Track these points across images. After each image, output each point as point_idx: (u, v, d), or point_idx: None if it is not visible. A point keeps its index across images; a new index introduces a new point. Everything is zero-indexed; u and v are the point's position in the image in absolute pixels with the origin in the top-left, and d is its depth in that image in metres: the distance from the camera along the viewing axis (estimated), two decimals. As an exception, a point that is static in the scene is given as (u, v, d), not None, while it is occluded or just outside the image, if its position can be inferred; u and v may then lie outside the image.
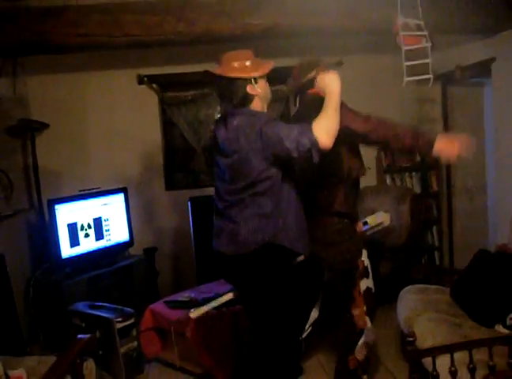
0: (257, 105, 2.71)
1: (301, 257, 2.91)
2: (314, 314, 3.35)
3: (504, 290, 3.19)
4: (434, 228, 5.61)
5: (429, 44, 3.71)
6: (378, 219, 3.49)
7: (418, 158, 5.54)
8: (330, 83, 2.62)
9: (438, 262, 5.60)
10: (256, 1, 3.80)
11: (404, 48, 3.68)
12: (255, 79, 2.66)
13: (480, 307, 3.24)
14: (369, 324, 3.10)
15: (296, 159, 2.53)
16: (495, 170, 4.73)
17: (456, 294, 3.53)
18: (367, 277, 3.14)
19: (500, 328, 3.10)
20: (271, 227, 2.61)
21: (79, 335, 2.68)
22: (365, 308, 3.08)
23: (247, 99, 2.67)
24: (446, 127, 5.51)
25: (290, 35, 4.07)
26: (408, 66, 3.72)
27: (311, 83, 2.92)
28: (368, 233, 3.49)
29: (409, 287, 3.81)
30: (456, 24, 4.19)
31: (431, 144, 2.74)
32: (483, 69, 4.73)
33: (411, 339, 2.53)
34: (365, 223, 3.37)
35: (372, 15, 3.88)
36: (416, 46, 3.73)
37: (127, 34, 3.74)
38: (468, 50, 4.96)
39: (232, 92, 2.66)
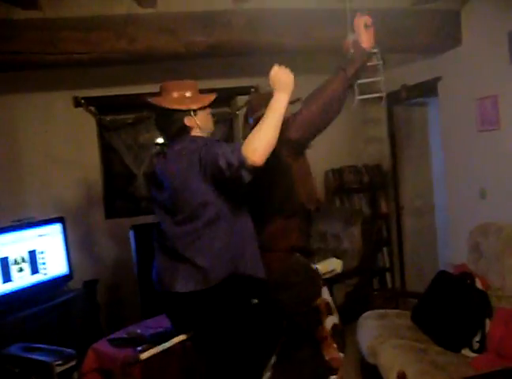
0: (197, 133, 2.55)
1: (255, 300, 2.70)
2: (273, 360, 3.11)
3: (468, 312, 3.09)
4: (385, 249, 5.55)
5: (380, 62, 3.65)
6: (329, 266, 3.27)
7: (366, 178, 5.47)
8: (284, 78, 2.36)
9: (390, 284, 5.52)
10: (201, 17, 3.64)
11: (355, 66, 3.61)
12: (194, 111, 2.52)
13: (444, 331, 3.14)
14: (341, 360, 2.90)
15: (228, 179, 2.28)
16: (446, 189, 4.71)
17: (417, 318, 3.42)
18: (331, 314, 2.95)
19: (467, 352, 3.01)
20: (227, 257, 2.39)
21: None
22: (335, 345, 2.88)
23: (184, 130, 2.52)
24: (393, 146, 5.50)
25: (236, 53, 3.93)
26: (358, 85, 3.66)
27: None
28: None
29: (369, 312, 3.69)
30: (402, 43, 4.17)
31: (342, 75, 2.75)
32: (428, 88, 4.75)
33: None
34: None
35: (322, 32, 3.78)
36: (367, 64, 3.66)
37: (63, 51, 3.51)
38: (413, 69, 4.98)
39: (169, 123, 2.53)
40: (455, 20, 4.18)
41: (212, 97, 2.59)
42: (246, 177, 2.24)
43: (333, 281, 4.56)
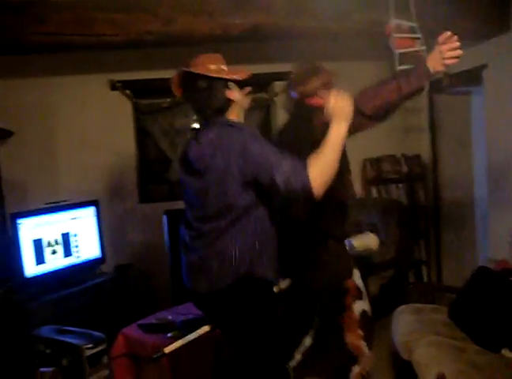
0: (234, 114, 2.42)
1: (286, 283, 2.66)
2: (307, 342, 3.05)
3: (509, 311, 2.96)
4: (422, 242, 5.40)
5: (424, 47, 3.51)
6: (365, 242, 3.22)
7: (404, 169, 5.33)
8: (344, 108, 2.22)
9: (426, 278, 5.39)
10: (239, -1, 3.56)
11: (397, 51, 3.48)
12: (232, 84, 2.37)
13: (483, 330, 3.01)
14: (366, 351, 2.82)
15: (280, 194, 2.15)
16: (488, 181, 4.53)
17: (455, 314, 3.30)
18: (362, 299, 2.87)
19: (507, 353, 2.88)
20: (246, 259, 2.28)
21: (42, 369, 2.36)
22: (361, 333, 2.80)
23: (225, 105, 2.38)
24: (433, 136, 5.35)
25: (273, 37, 3.83)
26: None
27: (311, 93, 2.65)
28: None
29: (404, 306, 3.58)
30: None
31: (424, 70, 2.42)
32: (472, 76, 4.56)
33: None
34: (350, 246, 3.10)
35: (363, 17, 3.66)
36: (409, 50, 3.52)
37: (96, 33, 3.46)
38: (456, 57, 4.78)
39: (210, 97, 2.34)
40: (503, 5, 3.99)
41: (248, 71, 2.42)
42: (302, 203, 2.22)
43: (367, 272, 4.48)
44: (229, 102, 2.38)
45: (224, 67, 2.40)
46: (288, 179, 2.08)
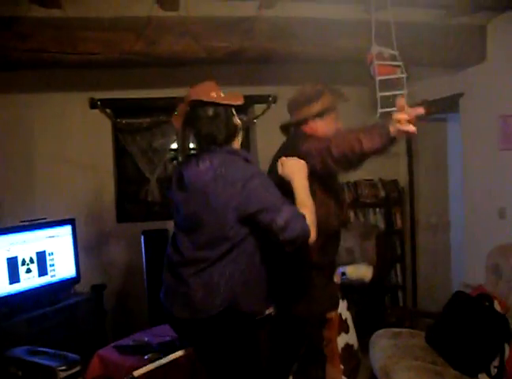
0: (237, 141, 2.38)
1: (270, 310, 2.64)
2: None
3: (486, 336, 2.99)
4: (398, 266, 5.43)
5: (404, 75, 3.58)
6: (358, 272, 3.15)
7: (382, 193, 5.38)
8: (293, 167, 2.32)
9: (401, 302, 5.41)
10: (224, 22, 3.58)
11: (378, 78, 3.54)
12: (234, 110, 2.34)
13: (461, 355, 3.03)
14: None
15: (277, 241, 2.15)
16: (463, 207, 4.60)
17: (432, 339, 3.32)
18: (346, 332, 2.84)
19: (485, 378, 2.89)
20: (232, 293, 2.25)
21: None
22: (342, 367, 2.76)
23: (235, 132, 2.34)
24: (410, 162, 5.42)
25: (257, 60, 3.87)
26: (381, 97, 3.59)
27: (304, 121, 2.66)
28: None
29: (381, 331, 3.58)
30: (427, 57, 4.09)
31: (385, 131, 2.18)
32: (449, 104, 4.66)
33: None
34: (343, 274, 3.07)
35: (346, 43, 3.71)
36: (390, 77, 3.59)
37: (81, 51, 3.45)
38: (434, 84, 4.90)
39: (218, 124, 2.28)
40: (481, 35, 4.10)
41: (240, 94, 2.38)
42: (293, 248, 2.16)
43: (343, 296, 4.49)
44: (237, 127, 2.35)
45: (221, 94, 2.33)
46: (288, 224, 2.09)
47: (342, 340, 2.76)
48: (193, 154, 2.42)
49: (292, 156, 2.40)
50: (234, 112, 2.33)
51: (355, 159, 2.31)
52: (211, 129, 2.28)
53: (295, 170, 2.31)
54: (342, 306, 2.79)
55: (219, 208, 2.18)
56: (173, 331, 3.15)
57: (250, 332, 2.37)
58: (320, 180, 2.49)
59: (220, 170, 2.20)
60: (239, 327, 2.30)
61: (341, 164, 2.35)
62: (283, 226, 2.09)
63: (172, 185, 2.46)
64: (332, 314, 2.69)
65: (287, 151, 2.55)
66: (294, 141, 2.60)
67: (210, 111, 2.28)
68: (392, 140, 2.18)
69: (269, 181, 2.21)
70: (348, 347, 2.78)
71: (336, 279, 2.89)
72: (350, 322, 2.82)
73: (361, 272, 3.04)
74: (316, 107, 2.61)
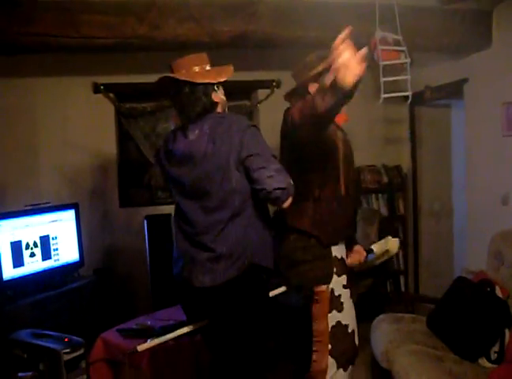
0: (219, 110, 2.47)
1: (281, 289, 2.65)
2: None
3: (487, 321, 3.00)
4: (400, 252, 5.44)
5: (408, 60, 3.57)
6: (385, 245, 2.94)
7: (385, 179, 5.38)
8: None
9: (403, 287, 5.43)
10: (227, 6, 3.56)
11: (382, 63, 3.54)
12: (217, 85, 2.42)
13: (461, 340, 3.05)
14: (333, 369, 2.60)
15: (263, 192, 2.22)
16: (466, 193, 4.60)
17: (434, 324, 3.34)
18: (340, 310, 2.61)
19: (484, 363, 2.92)
20: (251, 250, 2.32)
21: (20, 373, 2.32)
22: (330, 347, 2.59)
23: (211, 108, 2.41)
24: (413, 148, 5.41)
25: (260, 45, 3.85)
26: (385, 83, 3.58)
27: (316, 78, 2.61)
28: (376, 263, 3.00)
29: (383, 315, 3.60)
30: (431, 43, 4.07)
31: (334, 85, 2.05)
32: (454, 90, 4.64)
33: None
34: (370, 252, 2.88)
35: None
36: (393, 62, 3.58)
37: (84, 35, 3.43)
38: (437, 70, 4.88)
39: (194, 101, 2.37)
40: (486, 21, 4.07)
41: (231, 69, 2.47)
42: (281, 203, 2.23)
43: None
44: (214, 104, 2.41)
45: (208, 68, 2.43)
46: (277, 173, 2.18)
47: (333, 318, 2.58)
48: (175, 129, 2.51)
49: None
50: (216, 88, 2.40)
51: (316, 120, 2.26)
52: (188, 104, 2.38)
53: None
54: (337, 282, 2.61)
55: (222, 163, 2.27)
56: (176, 314, 3.22)
57: (266, 292, 2.50)
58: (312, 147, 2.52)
59: (214, 130, 2.31)
60: (259, 285, 2.41)
61: (307, 126, 2.33)
62: (272, 174, 2.18)
63: (161, 162, 2.53)
64: (323, 287, 2.58)
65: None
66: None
67: (186, 88, 2.36)
68: (344, 93, 2.01)
69: (260, 135, 2.32)
70: (339, 325, 2.59)
71: (358, 257, 2.80)
72: (346, 301, 2.63)
73: (388, 244, 2.91)
74: (314, 71, 2.60)
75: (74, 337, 3.37)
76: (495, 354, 2.90)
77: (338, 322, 2.60)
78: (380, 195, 5.39)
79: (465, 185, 4.64)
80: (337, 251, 2.66)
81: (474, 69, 4.36)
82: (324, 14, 3.64)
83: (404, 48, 3.56)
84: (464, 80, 4.46)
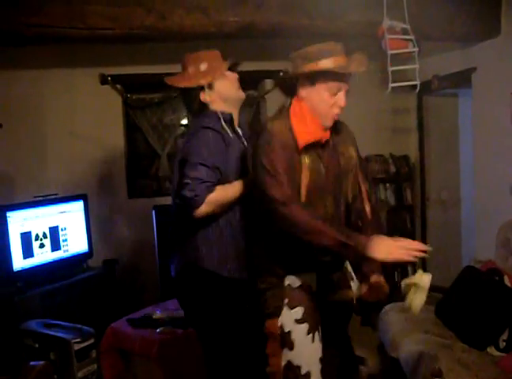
0: (218, 108, 2.47)
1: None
2: None
3: (495, 310, 3.00)
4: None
5: (416, 49, 3.56)
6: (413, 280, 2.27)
7: (392, 168, 5.38)
8: None
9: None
10: (234, -4, 3.55)
11: (390, 52, 3.52)
12: (210, 84, 2.44)
13: (470, 329, 3.05)
14: None
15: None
16: (474, 183, 4.59)
17: (442, 313, 3.34)
18: (290, 348, 2.22)
19: (493, 351, 2.92)
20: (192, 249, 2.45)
21: (32, 362, 2.35)
22: None
23: (201, 108, 2.48)
24: (421, 137, 5.40)
25: (267, 35, 3.83)
26: (392, 72, 3.57)
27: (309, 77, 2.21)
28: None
29: (391, 304, 3.61)
30: (438, 31, 4.04)
31: (364, 244, 1.97)
32: (461, 79, 4.61)
33: None
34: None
35: (357, 17, 3.67)
36: (401, 51, 3.57)
37: (91, 26, 3.43)
38: (445, 59, 4.85)
39: (190, 101, 2.50)
40: (495, 9, 4.04)
41: (224, 66, 2.48)
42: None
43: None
44: (203, 104, 2.46)
45: (203, 67, 2.45)
46: (187, 185, 2.22)
47: (284, 357, 2.24)
48: (184, 130, 2.68)
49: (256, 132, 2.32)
50: (208, 87, 2.43)
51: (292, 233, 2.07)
52: (185, 104, 2.57)
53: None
54: (287, 316, 2.23)
55: (174, 165, 2.45)
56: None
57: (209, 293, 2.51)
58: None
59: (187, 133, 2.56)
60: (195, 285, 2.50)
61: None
62: (187, 181, 2.23)
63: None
64: (273, 321, 2.25)
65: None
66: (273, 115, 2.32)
67: (178, 91, 2.56)
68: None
69: (207, 140, 2.31)
70: (290, 366, 2.21)
71: (375, 295, 2.31)
72: (300, 338, 2.21)
73: (416, 278, 2.26)
74: (309, 67, 2.15)
75: (85, 327, 3.40)
76: (504, 343, 2.90)
77: (289, 362, 2.22)
78: (388, 185, 5.39)
79: (473, 175, 4.62)
80: (296, 280, 2.26)
81: (482, 57, 4.33)
82: (331, 3, 3.62)
83: (412, 37, 3.54)
84: (473, 69, 4.43)
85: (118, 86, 4.93)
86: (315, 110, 2.16)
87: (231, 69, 2.53)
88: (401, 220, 5.36)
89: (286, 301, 2.21)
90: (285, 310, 2.21)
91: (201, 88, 2.43)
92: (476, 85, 4.46)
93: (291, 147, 2.13)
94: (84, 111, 4.85)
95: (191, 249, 2.42)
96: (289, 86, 2.24)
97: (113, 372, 3.54)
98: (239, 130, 2.54)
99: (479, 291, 3.16)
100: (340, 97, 2.15)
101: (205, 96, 2.44)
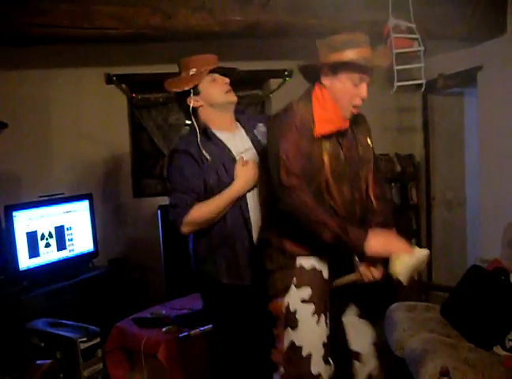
0: (207, 115, 2.51)
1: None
2: None
3: (501, 309, 3.00)
4: (413, 241, 5.44)
5: (422, 48, 3.54)
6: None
7: (398, 168, 5.37)
8: (246, 174, 2.40)
9: (416, 276, 5.41)
10: (239, -5, 3.56)
11: (395, 51, 3.51)
12: (194, 89, 2.46)
13: (476, 328, 3.04)
14: None
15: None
16: (480, 182, 4.58)
17: (448, 312, 3.34)
18: (293, 328, 2.20)
19: (499, 350, 2.91)
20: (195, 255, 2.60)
21: (38, 361, 2.36)
22: (282, 370, 2.23)
23: (193, 112, 2.51)
24: (426, 136, 5.38)
25: (272, 34, 3.82)
26: (398, 71, 3.56)
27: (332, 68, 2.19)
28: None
29: (397, 304, 3.61)
30: (443, 31, 4.03)
31: (361, 240, 2.04)
32: (467, 78, 4.60)
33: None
34: None
35: (362, 16, 3.66)
36: (407, 50, 3.55)
37: (97, 26, 3.43)
38: (450, 58, 4.83)
39: (181, 107, 2.58)
40: (500, 7, 4.02)
41: (205, 68, 2.46)
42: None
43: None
44: (191, 109, 2.48)
45: (191, 72, 2.47)
46: (171, 208, 2.41)
47: (287, 337, 2.21)
48: (188, 130, 2.71)
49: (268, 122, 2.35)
50: (192, 92, 2.46)
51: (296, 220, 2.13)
52: (180, 108, 2.63)
53: (242, 177, 2.39)
54: (294, 295, 2.22)
55: None
56: (190, 303, 3.27)
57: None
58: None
59: None
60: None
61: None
62: (169, 207, 2.44)
63: None
64: (277, 301, 2.25)
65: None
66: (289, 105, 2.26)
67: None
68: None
69: (185, 168, 2.40)
70: (293, 347, 2.19)
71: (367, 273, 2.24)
72: (304, 318, 2.19)
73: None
74: (333, 58, 2.12)
75: (90, 326, 3.41)
76: (510, 342, 2.90)
77: (292, 343, 2.20)
78: (393, 184, 5.38)
79: (479, 174, 4.60)
80: (308, 261, 2.25)
81: (488, 56, 4.31)
82: (336, 2, 3.61)
83: (417, 36, 3.53)
84: (478, 68, 4.42)
85: (124, 86, 4.94)
86: (336, 99, 2.17)
87: (228, 73, 2.54)
88: (407, 220, 5.35)
89: (294, 280, 2.21)
90: (292, 289, 2.21)
91: (188, 94, 2.46)
92: (482, 84, 4.44)
93: (311, 130, 2.15)
94: (90, 111, 4.86)
95: (194, 254, 2.58)
96: (311, 73, 2.24)
97: (119, 371, 3.56)
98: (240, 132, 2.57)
99: (485, 291, 3.16)
100: (363, 88, 2.15)
101: (191, 101, 2.46)
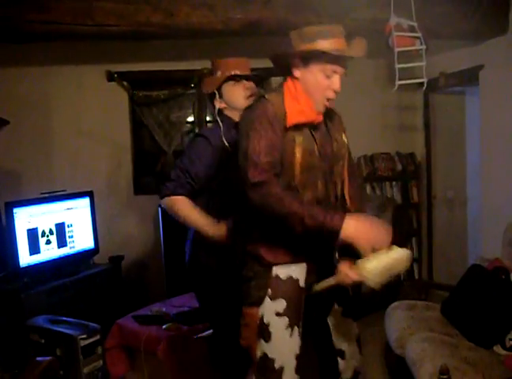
0: (232, 116, 2.57)
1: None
2: None
3: (501, 309, 3.00)
4: (414, 240, 5.44)
5: (423, 46, 3.54)
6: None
7: (399, 167, 5.37)
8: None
9: (416, 275, 5.43)
10: (241, -7, 3.55)
11: (397, 50, 3.51)
12: (219, 92, 2.58)
13: (476, 327, 3.04)
14: None
15: None
16: (480, 181, 4.57)
17: (448, 311, 3.34)
18: (267, 340, 2.14)
19: (499, 350, 2.91)
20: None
21: (38, 358, 2.36)
22: None
23: (217, 113, 2.62)
24: (428, 135, 5.38)
25: (274, 32, 3.81)
26: (399, 69, 3.56)
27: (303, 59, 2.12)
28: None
29: (397, 303, 3.61)
30: (445, 29, 4.03)
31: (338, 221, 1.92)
32: (469, 76, 4.59)
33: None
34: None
35: (364, 14, 3.66)
36: (408, 48, 3.55)
37: (98, 23, 3.43)
38: (452, 57, 4.82)
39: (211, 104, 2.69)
40: (502, 6, 4.01)
41: (221, 77, 2.56)
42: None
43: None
44: (217, 110, 2.60)
45: (218, 74, 2.57)
46: (165, 184, 2.53)
47: (260, 348, 2.16)
48: (190, 127, 2.79)
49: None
50: (218, 94, 2.61)
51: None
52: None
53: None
54: (268, 307, 2.14)
55: None
56: (190, 301, 3.26)
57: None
58: None
59: None
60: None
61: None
62: (168, 180, 2.54)
63: None
64: (252, 310, 2.18)
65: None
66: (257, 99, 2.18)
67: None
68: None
69: (196, 146, 2.55)
70: (265, 358, 2.14)
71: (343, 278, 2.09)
72: (277, 331, 2.13)
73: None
74: (304, 47, 2.04)
75: (91, 323, 3.41)
76: (510, 342, 2.89)
77: (264, 354, 2.15)
78: (394, 183, 5.38)
79: (480, 173, 4.60)
80: (284, 270, 2.15)
81: (490, 55, 4.31)
82: (338, 0, 3.61)
83: (419, 34, 3.53)
84: (480, 67, 4.41)
85: (125, 83, 4.94)
86: (309, 91, 2.10)
87: (249, 77, 2.62)
88: (407, 218, 5.34)
89: (269, 291, 2.13)
90: (267, 301, 2.13)
91: (214, 94, 2.60)
92: (484, 83, 4.44)
93: (283, 122, 2.06)
94: (91, 108, 4.88)
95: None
96: (284, 65, 2.16)
97: (119, 368, 3.56)
98: None
99: (485, 290, 3.16)
100: (335, 80, 2.08)
101: (216, 103, 2.59)
